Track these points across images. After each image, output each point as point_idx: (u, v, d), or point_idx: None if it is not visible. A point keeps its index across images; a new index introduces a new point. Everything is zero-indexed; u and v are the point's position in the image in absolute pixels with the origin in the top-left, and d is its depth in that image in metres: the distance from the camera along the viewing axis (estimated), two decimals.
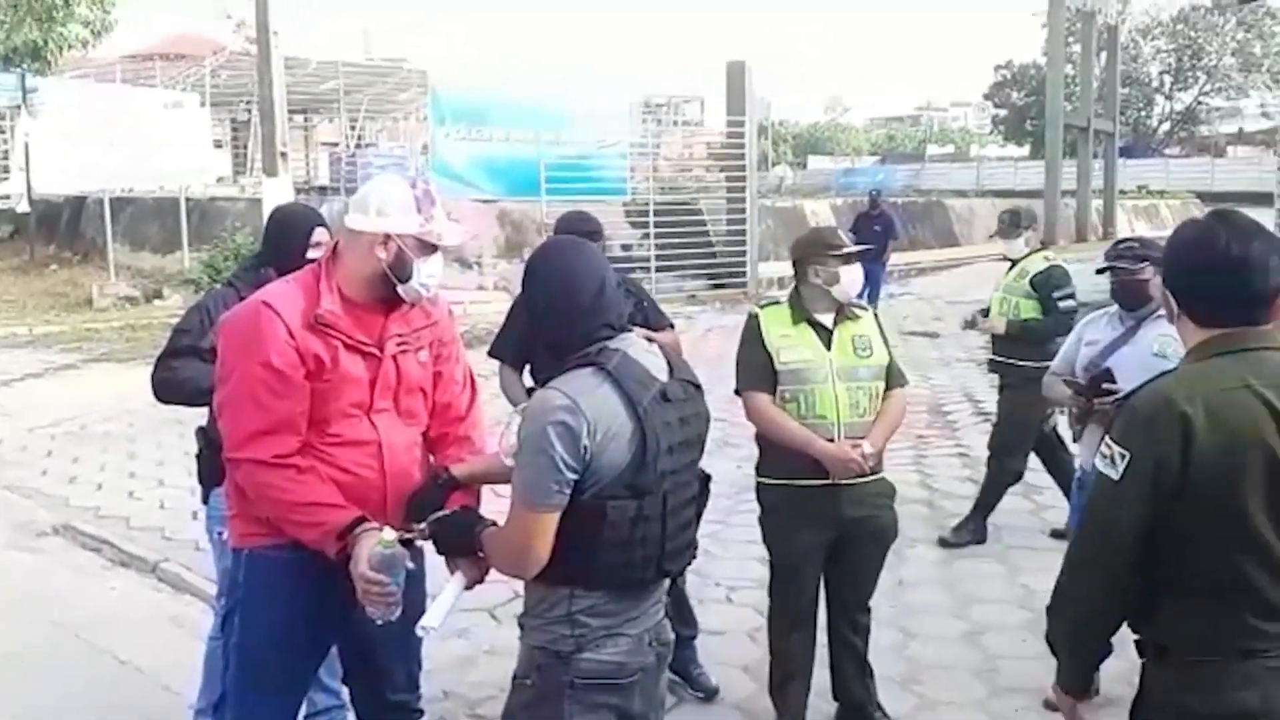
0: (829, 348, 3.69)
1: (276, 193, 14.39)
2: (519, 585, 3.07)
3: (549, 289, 2.36)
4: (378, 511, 2.57)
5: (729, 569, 5.49)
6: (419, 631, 2.41)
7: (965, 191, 37.95)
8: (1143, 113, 54.90)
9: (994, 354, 6.22)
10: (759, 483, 3.83)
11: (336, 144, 33.76)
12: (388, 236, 2.59)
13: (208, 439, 3.69)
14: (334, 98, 30.27)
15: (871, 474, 3.66)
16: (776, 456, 3.70)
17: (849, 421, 3.64)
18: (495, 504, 2.48)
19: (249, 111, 29.79)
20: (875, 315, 3.91)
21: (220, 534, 3.67)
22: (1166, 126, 56.88)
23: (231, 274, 3.83)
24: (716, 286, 18.31)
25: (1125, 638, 2.17)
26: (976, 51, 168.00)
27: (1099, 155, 31.86)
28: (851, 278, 3.75)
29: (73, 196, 20.02)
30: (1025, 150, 55.48)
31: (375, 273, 2.62)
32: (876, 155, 66.71)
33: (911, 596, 5.16)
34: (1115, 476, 1.98)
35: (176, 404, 3.74)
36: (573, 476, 2.19)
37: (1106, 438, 2.03)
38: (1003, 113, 58.11)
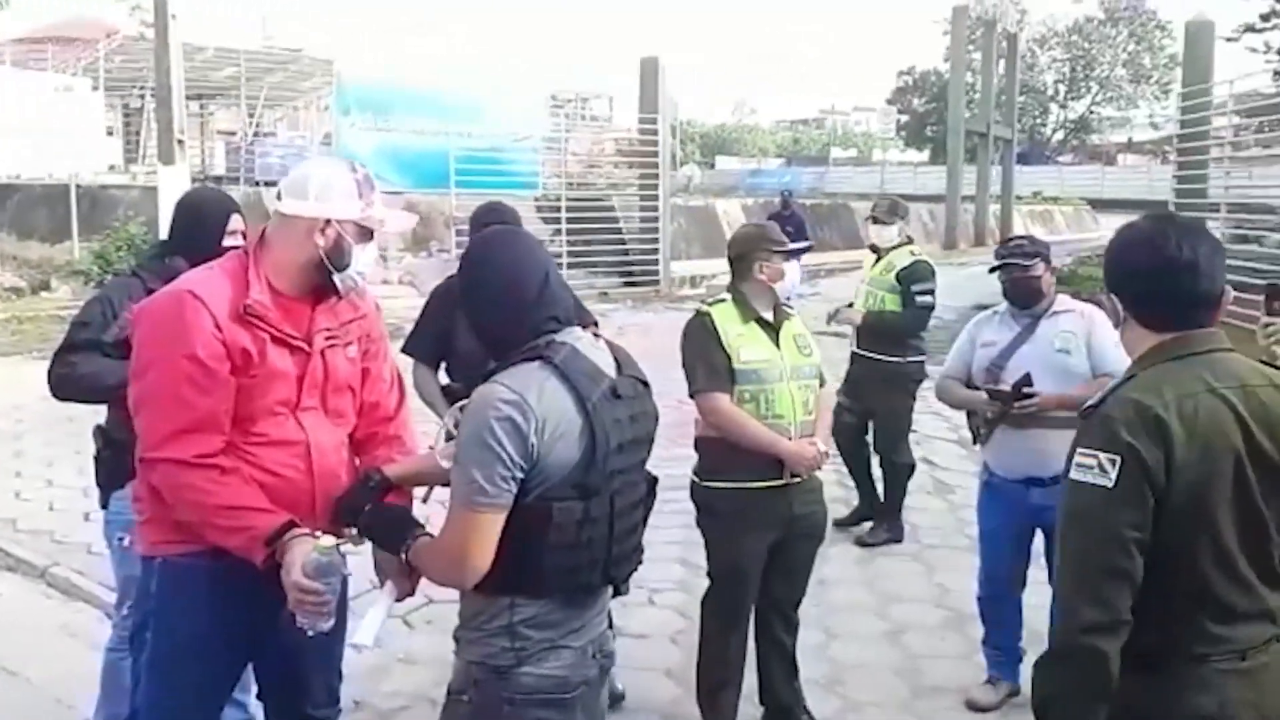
0: (778, 346, 3.66)
1: (173, 181, 13.91)
2: (434, 591, 2.94)
3: (491, 282, 2.24)
4: (305, 515, 2.42)
5: (650, 571, 5.26)
6: (352, 649, 2.28)
7: (868, 194, 38.59)
8: (1038, 120, 56.63)
9: (856, 348, 6.12)
10: (703, 486, 3.75)
11: (234, 133, 32.95)
12: (328, 222, 2.46)
13: (107, 439, 3.49)
14: (231, 85, 29.51)
15: None
16: (726, 459, 3.63)
17: (802, 420, 3.64)
18: (439, 517, 2.34)
19: (142, 98, 28.90)
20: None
21: (121, 540, 3.48)
22: (1060, 134, 58.75)
23: (136, 263, 3.60)
24: (629, 284, 18.29)
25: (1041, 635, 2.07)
26: (879, 56, 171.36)
27: (997, 161, 32.72)
28: (793, 274, 3.72)
29: None
30: (925, 155, 56.72)
31: (310, 260, 2.48)
32: (782, 157, 67.45)
33: (833, 595, 5.15)
34: (1109, 483, 1.91)
35: (75, 401, 3.52)
36: (519, 475, 2.08)
37: (1084, 448, 1.96)
38: (905, 118, 59.32)
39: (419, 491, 2.62)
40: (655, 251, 18.74)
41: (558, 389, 2.12)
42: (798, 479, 3.64)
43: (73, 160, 18.88)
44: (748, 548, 3.68)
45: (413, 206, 17.61)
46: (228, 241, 3.26)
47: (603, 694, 2.37)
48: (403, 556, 2.30)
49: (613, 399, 2.19)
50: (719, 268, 19.82)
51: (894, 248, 5.98)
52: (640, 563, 2.37)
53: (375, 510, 2.41)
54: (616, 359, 2.31)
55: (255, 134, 30.29)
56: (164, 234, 12.20)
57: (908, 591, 5.30)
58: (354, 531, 2.39)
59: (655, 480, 2.41)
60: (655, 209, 18.85)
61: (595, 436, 2.13)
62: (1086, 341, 3.93)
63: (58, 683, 4.30)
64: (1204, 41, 17.02)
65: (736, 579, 3.75)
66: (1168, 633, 1.97)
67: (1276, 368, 2.10)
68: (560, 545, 2.13)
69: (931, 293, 5.87)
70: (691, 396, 3.69)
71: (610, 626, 2.30)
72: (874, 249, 6.12)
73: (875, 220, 6.04)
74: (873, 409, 6.07)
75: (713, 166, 58.36)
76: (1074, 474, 1.96)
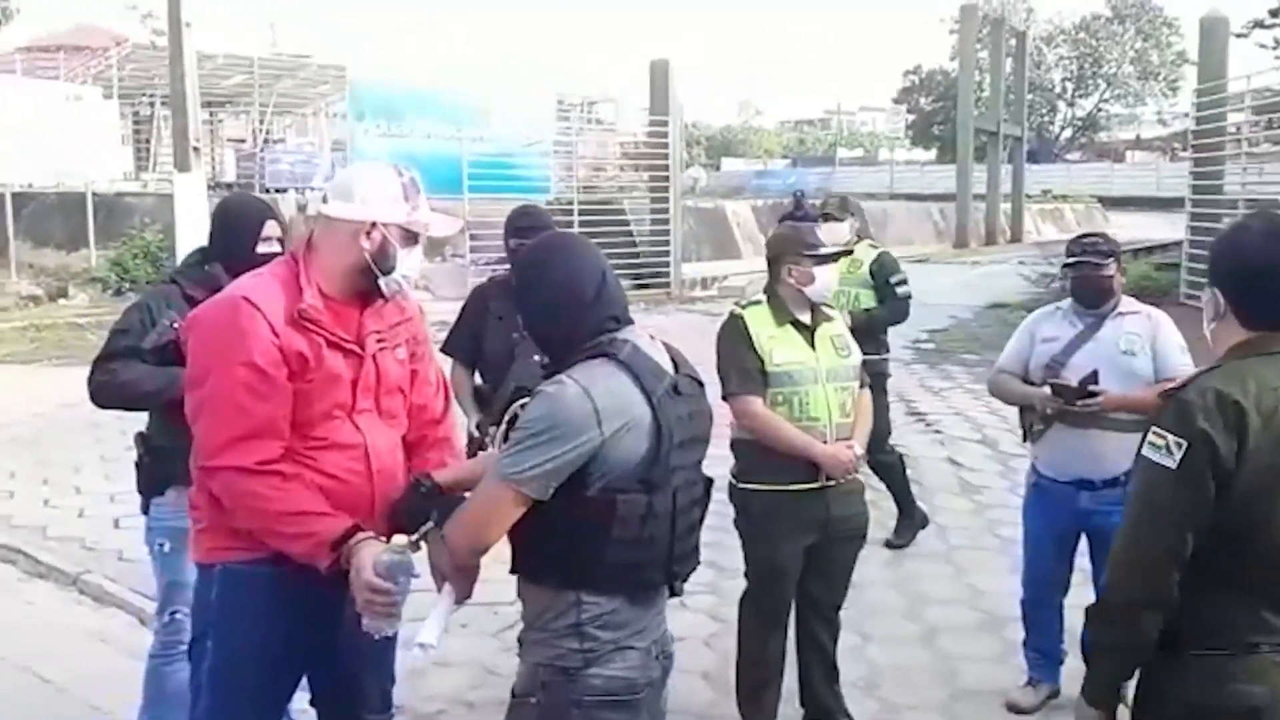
0: (813, 348, 3.64)
1: (188, 189, 13.92)
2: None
3: (550, 286, 2.25)
4: (365, 518, 2.42)
5: None
6: (416, 650, 2.27)
7: (876, 194, 38.53)
8: (1046, 118, 56.40)
9: None
10: (739, 488, 3.74)
11: (243, 140, 32.99)
12: (373, 225, 2.46)
13: (148, 445, 3.49)
14: (240, 93, 29.57)
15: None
16: (761, 461, 3.62)
17: (838, 422, 3.63)
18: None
19: (152, 106, 28.93)
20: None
21: (162, 546, 3.48)
22: (1068, 132, 58.54)
23: (174, 270, 3.61)
24: (640, 286, 18.26)
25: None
26: (884, 56, 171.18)
27: (1007, 159, 32.63)
28: (826, 279, 3.69)
29: None
30: (932, 154, 56.58)
31: (356, 264, 2.48)
32: (788, 158, 67.35)
33: (865, 598, 5.12)
34: (1173, 465, 1.97)
35: (115, 408, 3.52)
36: (567, 470, 2.10)
37: (1156, 427, 2.01)
38: (912, 117, 59.20)
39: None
40: (666, 254, 18.71)
41: (625, 383, 2.14)
42: (834, 482, 3.62)
43: (85, 168, 18.93)
44: (784, 549, 3.67)
45: None
46: (262, 248, 3.28)
47: (664, 695, 2.36)
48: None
49: (674, 395, 2.21)
50: (729, 269, 19.96)
51: (851, 244, 5.91)
52: (698, 563, 2.37)
53: (444, 504, 2.39)
54: (672, 357, 2.32)
55: (265, 141, 30.33)
56: (180, 241, 12.28)
57: (939, 593, 5.29)
58: (415, 538, 2.38)
59: (711, 481, 2.42)
60: (666, 211, 18.83)
61: (661, 430, 2.15)
62: (1151, 345, 3.87)
63: (91, 689, 4.32)
64: (1218, 37, 16.94)
65: (773, 580, 3.74)
66: (1222, 619, 2.01)
67: None
68: (624, 539, 2.14)
69: (906, 282, 5.85)
70: (724, 399, 3.68)
71: None
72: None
73: (827, 217, 5.87)
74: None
75: (718, 168, 58.31)
76: (1144, 449, 2.03)
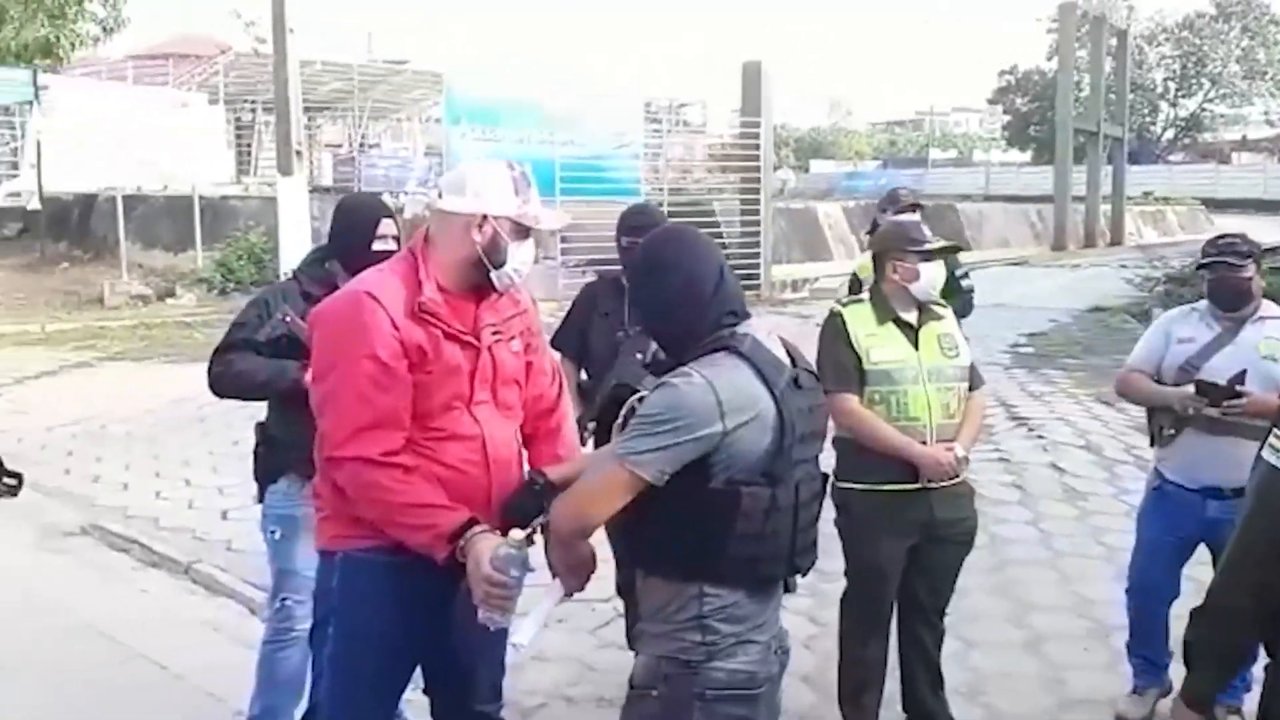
0: (916, 347, 3.58)
1: (291, 192, 14.29)
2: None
3: (670, 282, 2.26)
4: (481, 509, 2.46)
5: None
6: (510, 648, 2.31)
7: (971, 195, 37.89)
8: (1147, 119, 54.86)
9: None
10: (840, 487, 3.69)
11: (340, 145, 33.75)
12: (484, 218, 2.50)
13: (265, 435, 3.60)
14: (337, 99, 30.22)
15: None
16: (861, 461, 3.57)
17: (940, 423, 3.55)
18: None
19: (253, 112, 29.75)
20: (955, 314, 3.81)
21: (273, 533, 3.58)
22: (1171, 133, 56.87)
23: (296, 267, 3.72)
24: None
25: None
26: (977, 56, 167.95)
27: (1107, 160, 31.82)
28: (931, 275, 3.64)
29: (83, 194, 19.89)
30: (1028, 156, 55.45)
31: (468, 258, 2.52)
32: (879, 159, 66.63)
33: (967, 604, 5.03)
34: None
35: (231, 397, 3.64)
36: (685, 459, 2.10)
37: (1278, 429, 1.96)
38: (1008, 118, 58.10)
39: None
40: (756, 255, 18.61)
41: (748, 377, 2.15)
42: (936, 484, 3.56)
43: (191, 172, 19.56)
44: (884, 550, 3.62)
45: None
46: (378, 245, 3.34)
47: (780, 691, 2.35)
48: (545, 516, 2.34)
49: (795, 388, 2.21)
50: (820, 271, 19.78)
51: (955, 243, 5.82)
52: (817, 557, 2.36)
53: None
54: (789, 351, 2.31)
55: (361, 145, 30.98)
56: (282, 242, 12.68)
57: (1044, 600, 5.16)
58: (529, 532, 2.40)
59: (828, 476, 2.41)
60: (756, 213, 18.75)
61: (784, 424, 2.15)
62: None
63: (207, 677, 4.43)
64: None
65: (873, 581, 3.69)
66: None
67: None
68: (747, 533, 2.14)
69: (969, 275, 5.73)
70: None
71: None
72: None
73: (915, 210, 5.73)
74: None
75: (806, 170, 57.93)
76: (1264, 451, 2.02)
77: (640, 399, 2.24)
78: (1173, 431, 3.84)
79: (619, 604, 4.47)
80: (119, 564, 5.92)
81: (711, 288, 2.24)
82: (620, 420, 2.34)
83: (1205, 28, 53.20)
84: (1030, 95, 53.82)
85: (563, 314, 4.45)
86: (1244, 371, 3.66)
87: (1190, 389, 3.73)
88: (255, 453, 3.63)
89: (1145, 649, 4.06)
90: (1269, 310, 3.86)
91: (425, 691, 2.80)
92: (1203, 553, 3.89)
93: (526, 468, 2.69)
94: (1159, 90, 55.17)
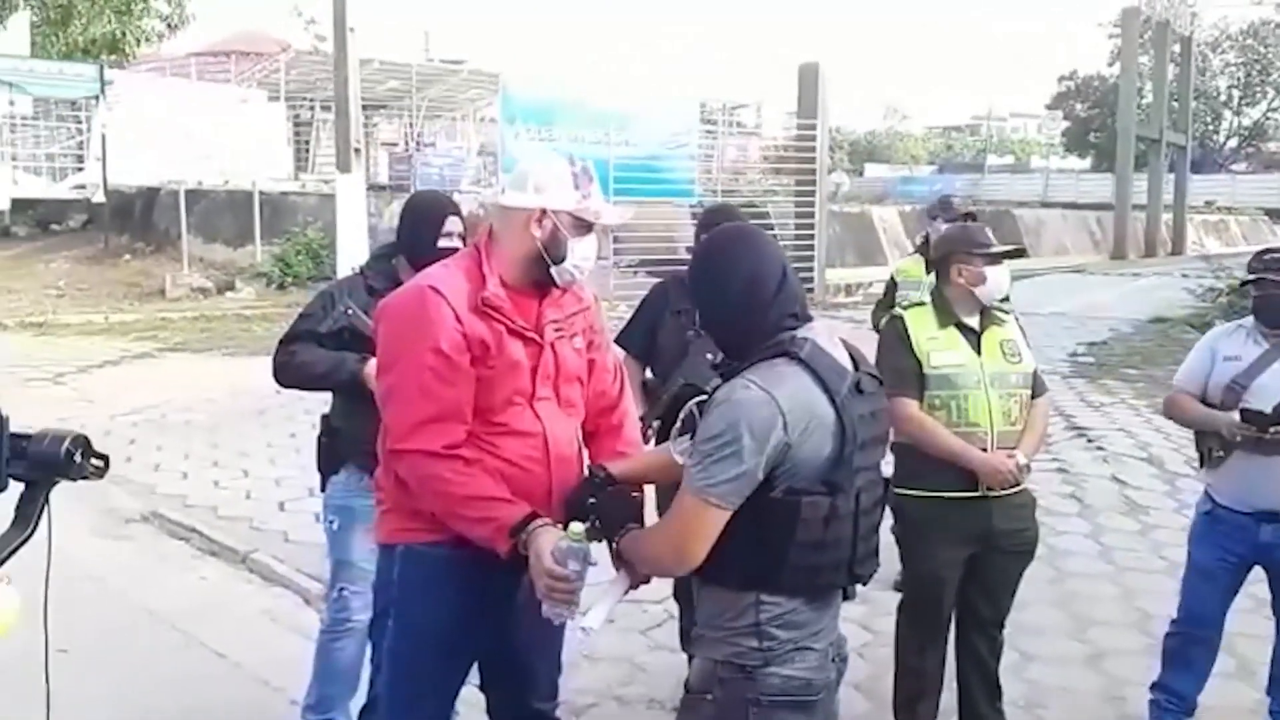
0: (978, 352, 3.53)
1: (349, 189, 14.42)
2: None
3: (731, 282, 2.22)
4: (541, 505, 2.46)
5: None
6: (579, 632, 2.29)
7: (1028, 202, 37.39)
8: (1210, 127, 53.81)
9: None
10: (898, 494, 3.65)
11: (395, 144, 34.02)
12: (544, 212, 2.49)
13: (329, 426, 3.64)
14: (394, 97, 30.46)
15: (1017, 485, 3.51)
16: (919, 467, 3.51)
17: (1002, 430, 3.49)
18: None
19: (311, 109, 30.08)
20: (1017, 319, 3.75)
21: (332, 523, 3.61)
22: (1234, 142, 55.75)
23: (363, 262, 3.76)
24: None
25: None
26: (1036, 61, 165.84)
27: (1169, 168, 31.28)
28: (997, 279, 3.58)
29: (146, 188, 20.26)
30: (1086, 162, 54.63)
31: (530, 253, 2.52)
32: (934, 164, 66.00)
33: (1025, 616, 4.95)
34: None
35: (294, 387, 3.68)
36: (759, 477, 2.06)
37: None
38: (1067, 124, 57.29)
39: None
40: (811, 259, 18.49)
41: (808, 385, 2.10)
42: (997, 492, 3.50)
43: (252, 168, 19.83)
44: (941, 559, 3.57)
45: None
46: (443, 242, 3.36)
47: (837, 698, 2.32)
48: (614, 544, 2.32)
49: (857, 394, 2.16)
50: (875, 275, 19.62)
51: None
52: (878, 565, 2.32)
53: (609, 495, 2.42)
54: (851, 355, 2.27)
55: (417, 144, 31.21)
56: (340, 238, 12.79)
57: (1105, 615, 5.08)
58: (588, 526, 2.39)
59: (889, 481, 2.36)
60: (811, 216, 18.65)
61: (845, 431, 2.10)
62: None
63: (264, 666, 4.47)
64: None
65: (930, 590, 3.64)
66: None
67: None
68: (807, 542, 2.10)
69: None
70: None
71: None
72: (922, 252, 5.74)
73: (968, 217, 5.59)
74: None
75: (861, 174, 57.50)
76: None
77: (699, 404, 2.20)
78: (1221, 454, 3.71)
79: (671, 606, 4.47)
80: (178, 552, 6.02)
81: (774, 288, 2.19)
82: (679, 424, 2.32)
83: (1270, 35, 52.06)
84: (1090, 101, 53.02)
85: (613, 313, 4.43)
86: None
87: (1236, 416, 3.60)
88: (318, 443, 3.67)
89: (1177, 681, 3.88)
90: None
91: (481, 688, 2.80)
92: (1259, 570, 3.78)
93: (586, 462, 2.68)
94: (1222, 98, 54.07)
